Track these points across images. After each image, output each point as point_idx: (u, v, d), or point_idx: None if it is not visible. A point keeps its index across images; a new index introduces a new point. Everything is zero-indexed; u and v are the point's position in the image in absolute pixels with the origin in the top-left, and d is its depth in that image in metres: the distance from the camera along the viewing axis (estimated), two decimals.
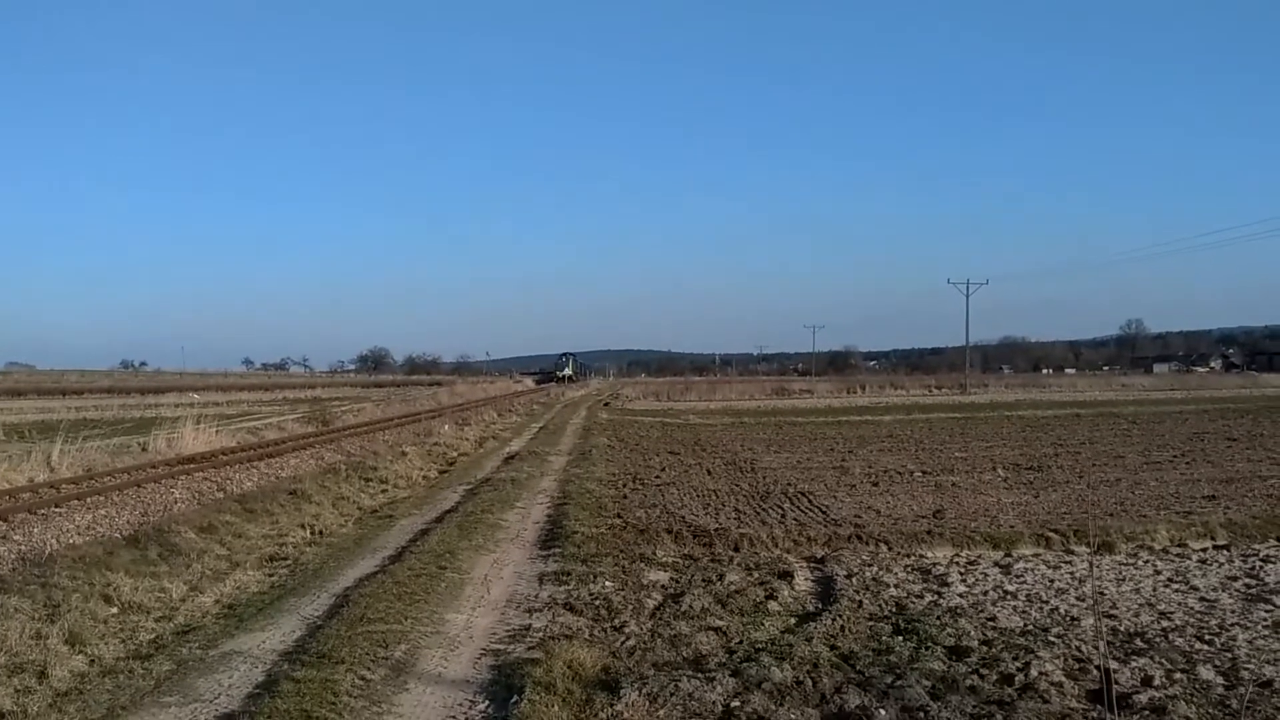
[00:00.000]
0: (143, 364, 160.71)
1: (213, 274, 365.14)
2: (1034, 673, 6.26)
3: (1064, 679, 6.20)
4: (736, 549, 10.87)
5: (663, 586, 9.19)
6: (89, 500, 14.35)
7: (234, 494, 15.80)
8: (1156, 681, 6.16)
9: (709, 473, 19.26)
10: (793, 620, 7.97)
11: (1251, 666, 6.49)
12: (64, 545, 11.16)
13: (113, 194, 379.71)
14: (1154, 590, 8.91)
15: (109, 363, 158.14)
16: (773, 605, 8.41)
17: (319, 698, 5.98)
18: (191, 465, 19.05)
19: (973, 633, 7.34)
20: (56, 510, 13.43)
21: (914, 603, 8.41)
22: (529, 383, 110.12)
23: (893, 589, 8.95)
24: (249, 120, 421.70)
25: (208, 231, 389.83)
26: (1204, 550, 10.81)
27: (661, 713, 5.61)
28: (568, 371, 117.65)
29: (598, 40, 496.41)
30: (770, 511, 13.83)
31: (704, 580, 9.30)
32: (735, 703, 5.73)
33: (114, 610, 8.76)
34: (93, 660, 7.34)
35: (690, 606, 8.23)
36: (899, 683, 6.05)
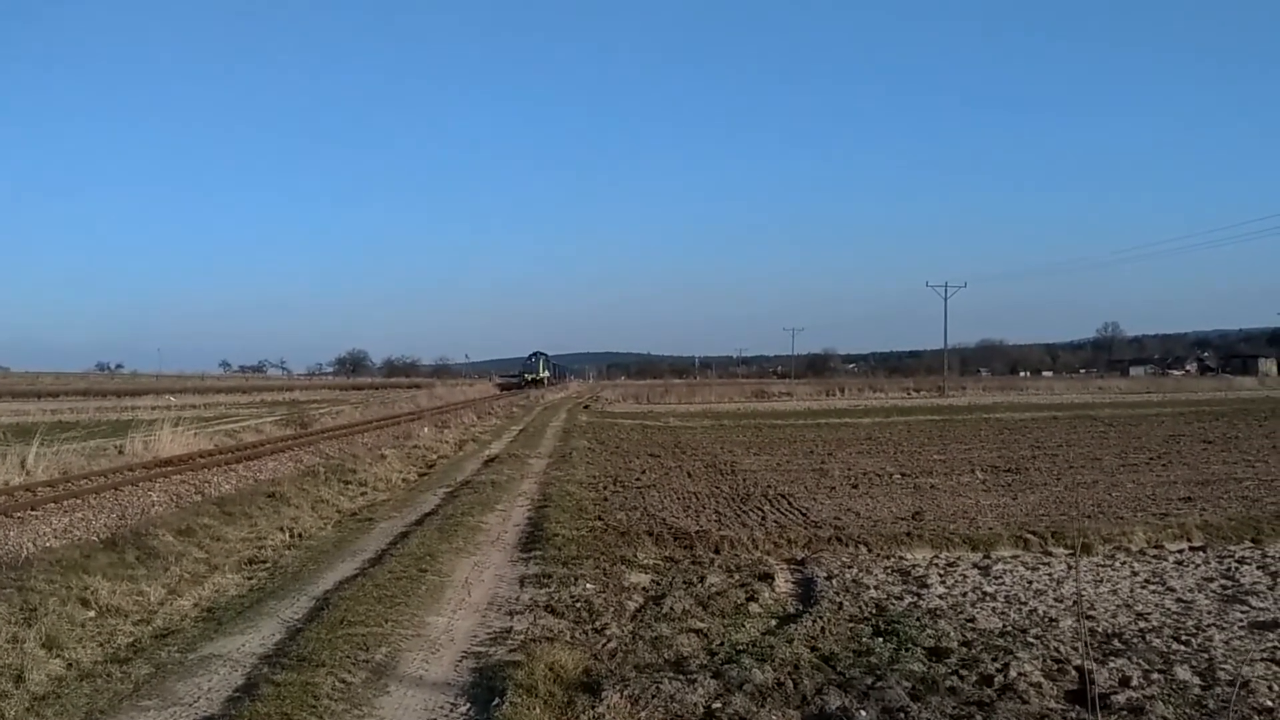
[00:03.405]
0: (119, 366, 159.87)
1: (190, 276, 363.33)
2: (1013, 673, 6.31)
3: (1043, 680, 6.24)
4: (717, 551, 10.89)
5: (644, 589, 9.20)
6: (65, 503, 14.23)
7: (212, 497, 15.69)
8: (1134, 682, 6.22)
9: (689, 475, 19.27)
10: (773, 622, 7.99)
11: (1228, 667, 6.54)
12: (40, 549, 11.05)
13: (89, 195, 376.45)
14: (1131, 591, 8.98)
15: (84, 365, 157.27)
16: (754, 607, 8.43)
17: (299, 701, 5.95)
18: (169, 468, 18.91)
19: (952, 634, 7.39)
20: (33, 513, 13.31)
21: (894, 604, 8.45)
22: (494, 388, 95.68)
23: (873, 590, 8.99)
24: (229, 123, 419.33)
25: (185, 233, 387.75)
26: (1180, 552, 10.90)
27: (643, 714, 5.62)
28: (544, 374, 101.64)
29: (580, 40, 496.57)
30: (750, 514, 13.86)
31: (685, 582, 9.31)
32: (717, 704, 5.74)
33: (91, 614, 8.67)
34: (70, 664, 7.28)
35: (671, 609, 8.24)
36: (879, 684, 6.08)
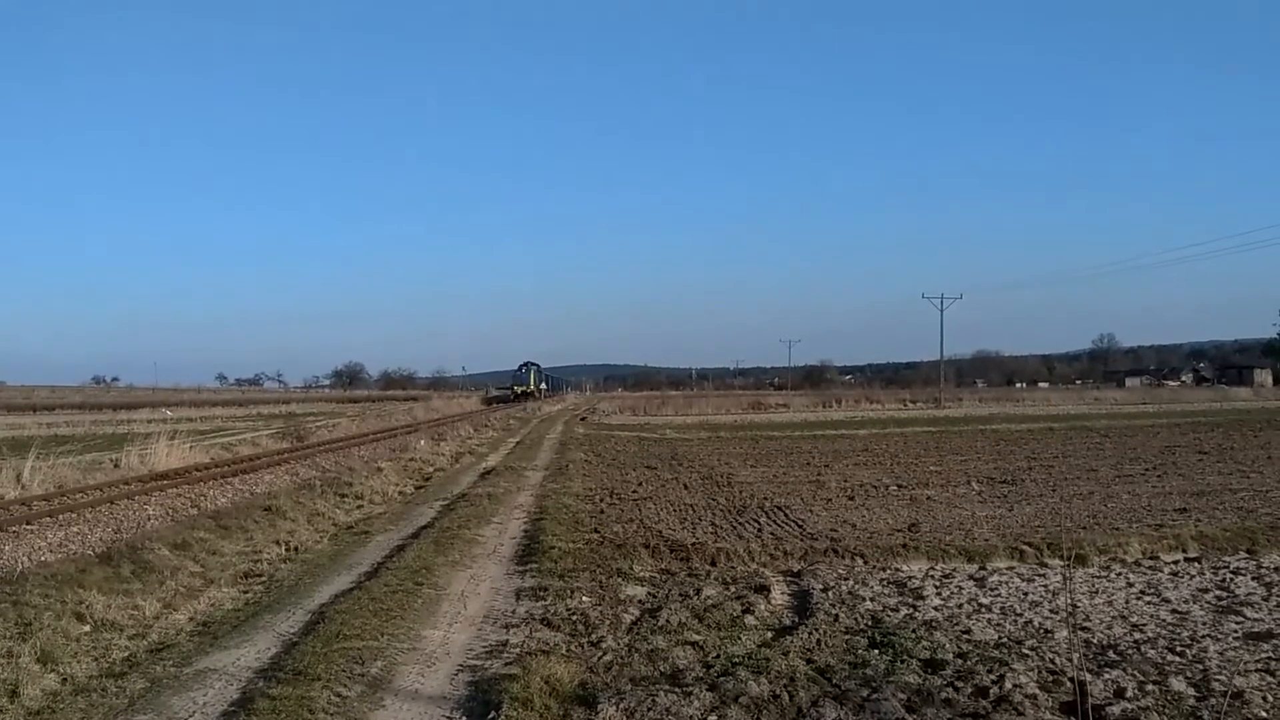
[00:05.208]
0: (115, 379, 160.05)
1: (186, 289, 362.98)
2: (1008, 685, 6.31)
3: (1038, 691, 6.25)
4: (713, 563, 10.89)
5: (640, 601, 9.19)
6: (61, 517, 14.20)
7: (208, 510, 15.67)
8: (1129, 693, 6.23)
9: (686, 487, 19.27)
10: (769, 634, 7.99)
11: (1222, 678, 6.55)
12: (36, 563, 11.04)
13: (84, 207, 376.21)
14: (1126, 602, 8.99)
15: (80, 378, 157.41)
16: (749, 619, 8.43)
17: (295, 715, 5.95)
18: (165, 482, 18.88)
19: (948, 645, 7.39)
20: (28, 527, 13.28)
21: (889, 616, 8.45)
22: (479, 402, 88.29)
23: (868, 602, 8.99)
24: (223, 135, 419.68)
25: (181, 246, 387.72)
26: (1175, 563, 10.91)
27: None
28: (538, 386, 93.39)
29: (576, 51, 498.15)
30: (747, 525, 13.86)
31: (681, 595, 9.31)
32: (712, 717, 5.75)
33: (87, 628, 8.67)
34: (65, 679, 7.27)
35: (667, 621, 8.24)
36: (875, 696, 6.09)
